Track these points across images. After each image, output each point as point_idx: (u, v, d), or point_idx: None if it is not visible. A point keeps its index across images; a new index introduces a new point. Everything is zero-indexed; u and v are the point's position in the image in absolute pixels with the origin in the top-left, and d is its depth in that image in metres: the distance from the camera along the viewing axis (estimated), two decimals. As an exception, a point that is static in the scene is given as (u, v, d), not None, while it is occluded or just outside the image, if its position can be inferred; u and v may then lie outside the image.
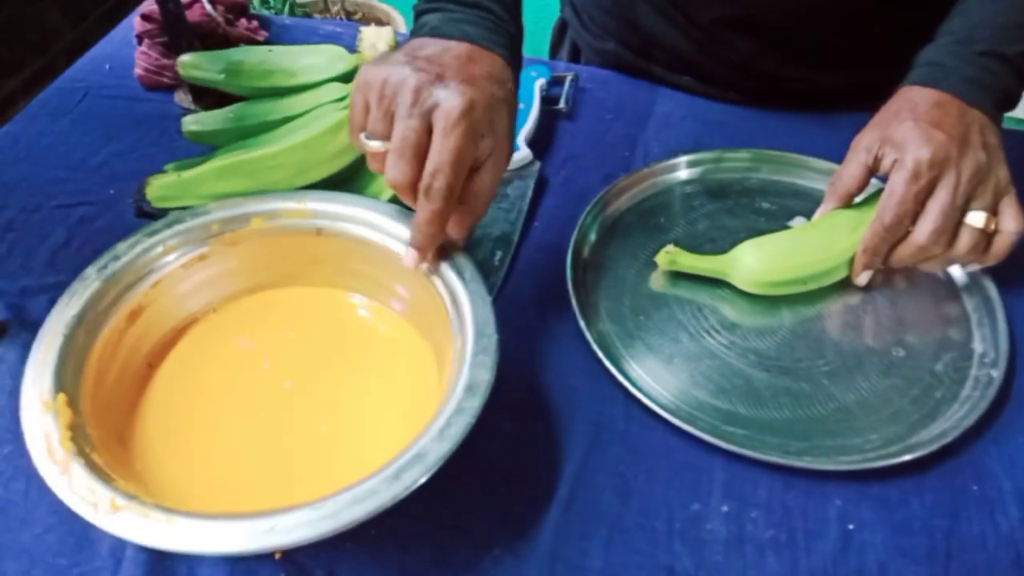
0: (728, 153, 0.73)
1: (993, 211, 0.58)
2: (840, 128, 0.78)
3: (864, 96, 0.73)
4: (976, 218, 0.58)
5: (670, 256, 0.63)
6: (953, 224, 0.58)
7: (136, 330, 0.54)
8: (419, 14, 0.57)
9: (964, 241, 0.59)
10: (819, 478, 0.54)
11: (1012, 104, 0.62)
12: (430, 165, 0.49)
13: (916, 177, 0.57)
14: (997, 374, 0.58)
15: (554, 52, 1.00)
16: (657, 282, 0.65)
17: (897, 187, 0.58)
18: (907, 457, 0.53)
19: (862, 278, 0.62)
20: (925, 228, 0.58)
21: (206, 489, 0.49)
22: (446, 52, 0.52)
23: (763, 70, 0.80)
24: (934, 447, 0.54)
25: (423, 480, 0.41)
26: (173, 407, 0.53)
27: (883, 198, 0.58)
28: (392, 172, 0.50)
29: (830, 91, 0.80)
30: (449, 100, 0.49)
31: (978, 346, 0.61)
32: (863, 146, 0.61)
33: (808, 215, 0.64)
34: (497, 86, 0.52)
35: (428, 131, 0.49)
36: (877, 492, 0.53)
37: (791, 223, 0.66)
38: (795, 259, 0.62)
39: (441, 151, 0.48)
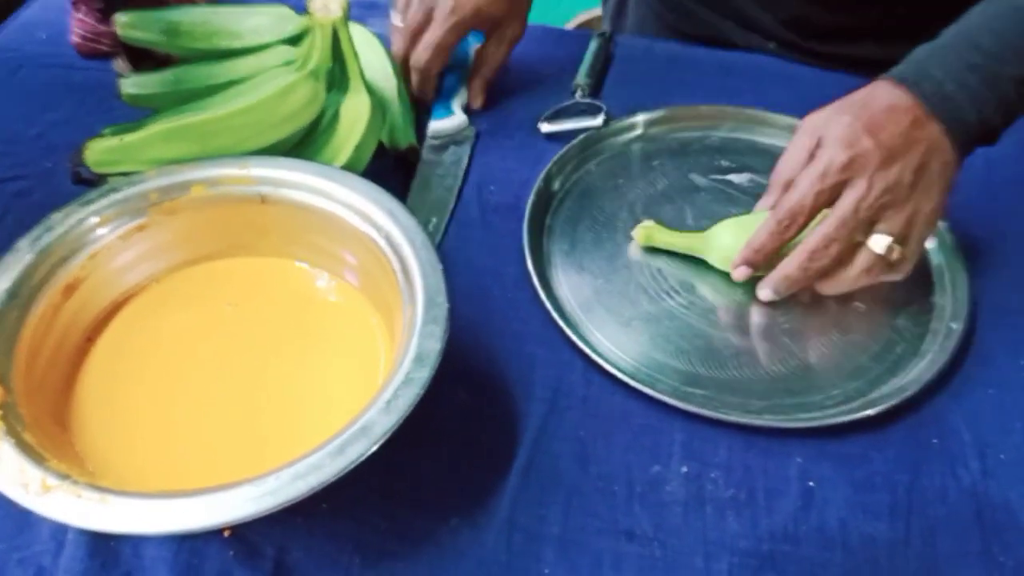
0: (687, 111, 0.72)
1: (903, 240, 0.54)
2: (792, 76, 0.77)
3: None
4: (878, 242, 0.54)
5: (647, 231, 0.62)
6: (848, 235, 0.53)
7: (73, 304, 0.52)
8: None
9: (858, 262, 0.55)
10: (779, 436, 0.53)
11: (986, 139, 0.56)
12: (419, 45, 0.70)
13: (823, 177, 0.53)
14: (957, 327, 0.57)
15: None
16: (615, 245, 0.63)
17: (801, 183, 0.54)
18: (867, 412, 0.53)
19: (739, 272, 0.58)
20: (817, 232, 0.54)
21: (148, 466, 0.47)
22: None
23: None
24: (894, 401, 0.53)
25: (368, 454, 0.40)
26: (113, 383, 0.51)
27: (785, 194, 0.55)
28: (394, 46, 0.73)
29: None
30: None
31: (939, 299, 0.60)
32: (807, 129, 0.56)
33: (764, 171, 0.62)
34: None
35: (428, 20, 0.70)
36: (837, 449, 0.53)
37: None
38: None
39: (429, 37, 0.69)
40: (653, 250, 0.63)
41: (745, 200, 0.65)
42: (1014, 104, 0.55)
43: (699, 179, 0.68)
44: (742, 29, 0.83)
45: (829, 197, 0.54)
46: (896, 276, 0.57)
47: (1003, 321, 0.60)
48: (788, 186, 0.56)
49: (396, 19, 0.72)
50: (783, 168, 0.57)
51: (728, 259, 0.60)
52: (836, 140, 0.54)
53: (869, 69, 0.72)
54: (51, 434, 0.46)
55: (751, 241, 0.56)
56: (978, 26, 0.56)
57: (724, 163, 0.69)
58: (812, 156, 0.55)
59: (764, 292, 0.58)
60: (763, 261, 0.57)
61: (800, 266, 0.55)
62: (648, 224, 0.62)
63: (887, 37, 0.76)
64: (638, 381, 0.54)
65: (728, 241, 0.60)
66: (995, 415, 0.55)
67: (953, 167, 0.55)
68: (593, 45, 0.78)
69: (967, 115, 0.54)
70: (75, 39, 0.77)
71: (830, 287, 0.57)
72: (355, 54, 0.62)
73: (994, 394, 0.56)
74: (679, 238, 0.62)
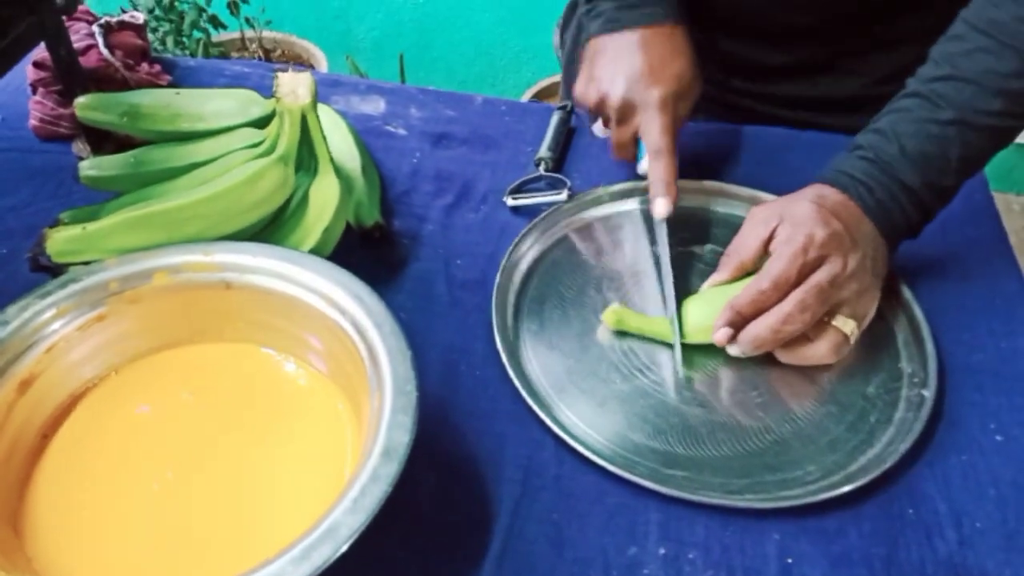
0: (647, 184, 0.72)
1: (858, 323, 0.58)
2: (746, 141, 0.79)
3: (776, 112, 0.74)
4: (846, 324, 0.57)
5: (617, 315, 0.62)
6: (821, 304, 0.56)
7: (28, 401, 0.51)
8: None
9: (827, 340, 0.58)
10: (757, 513, 0.53)
11: (910, 235, 0.63)
12: (651, 147, 0.65)
13: (804, 251, 0.56)
14: (928, 394, 0.57)
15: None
16: (584, 322, 0.63)
17: (783, 255, 0.56)
18: (847, 488, 0.52)
19: (721, 334, 0.58)
20: (794, 297, 0.56)
21: (105, 572, 0.45)
22: (622, 54, 0.67)
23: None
24: (874, 474, 0.53)
25: (334, 559, 0.38)
26: (69, 483, 0.49)
27: (767, 264, 0.57)
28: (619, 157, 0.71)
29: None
30: (647, 108, 0.65)
31: (906, 366, 0.61)
32: (760, 219, 0.60)
33: (725, 241, 0.63)
34: (673, 60, 0.67)
35: (634, 131, 0.67)
36: (814, 524, 0.52)
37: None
38: None
39: (656, 140, 0.65)
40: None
41: (708, 271, 0.66)
42: (930, 205, 0.61)
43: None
44: None
45: (811, 270, 0.56)
46: (838, 357, 0.59)
47: (969, 383, 0.60)
48: (742, 269, 0.60)
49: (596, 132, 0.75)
50: (737, 251, 0.61)
51: (698, 332, 0.60)
52: (810, 220, 0.57)
53: (806, 108, 0.79)
54: (4, 539, 0.44)
55: (734, 302, 0.57)
56: (878, 144, 0.61)
57: (686, 235, 0.70)
58: (771, 238, 0.59)
59: (733, 349, 0.59)
60: (744, 324, 0.58)
61: (772, 328, 0.56)
62: (616, 308, 0.62)
63: (817, 74, 0.81)
64: (616, 465, 0.53)
65: (696, 317, 0.60)
66: (968, 482, 0.55)
67: (888, 262, 0.61)
68: (555, 119, 0.79)
69: (896, 218, 0.60)
70: (33, 122, 0.76)
71: (791, 358, 0.59)
72: (324, 137, 0.62)
73: (966, 460, 0.56)
74: (647, 323, 0.62)
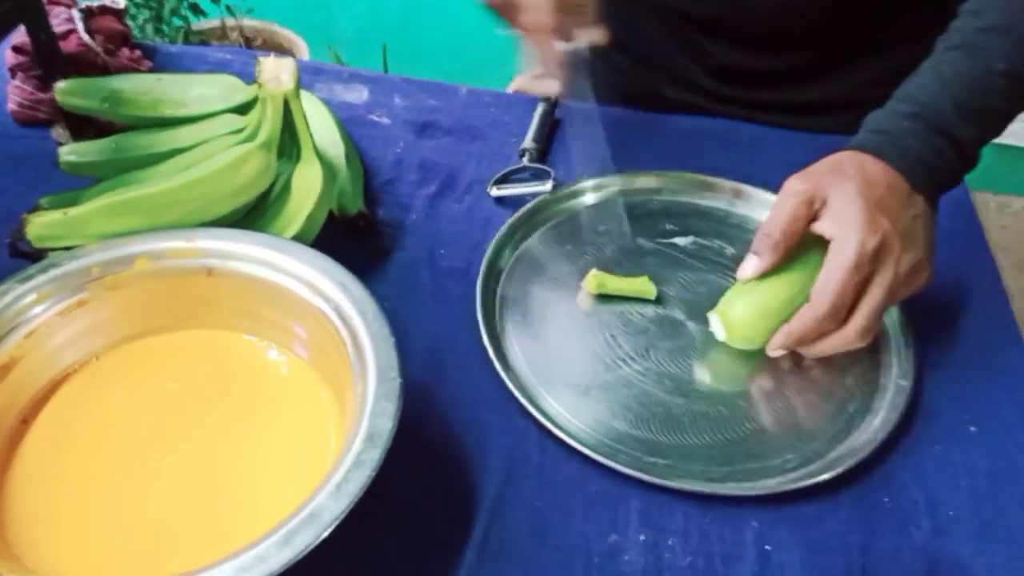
0: (631, 176, 0.73)
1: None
2: (730, 136, 0.79)
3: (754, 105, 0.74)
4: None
5: (598, 279, 0.63)
6: (879, 322, 0.56)
7: (8, 386, 0.50)
8: None
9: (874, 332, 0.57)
10: (736, 501, 0.53)
11: (950, 188, 0.60)
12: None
13: (858, 268, 0.53)
14: (906, 383, 0.58)
15: None
16: (569, 310, 0.63)
17: (837, 275, 0.53)
18: (825, 476, 0.53)
19: (777, 353, 0.58)
20: (856, 325, 0.55)
21: (85, 559, 0.45)
22: None
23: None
24: (852, 462, 0.54)
25: (316, 543, 0.38)
26: (49, 469, 0.49)
27: (820, 284, 0.54)
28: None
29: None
30: None
31: (884, 355, 0.61)
32: (804, 197, 0.55)
33: (708, 233, 0.63)
34: None
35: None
36: (792, 511, 0.53)
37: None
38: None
39: None
40: (606, 317, 0.63)
41: (690, 263, 0.67)
42: (973, 156, 0.59)
43: (646, 243, 0.68)
44: (671, 84, 0.86)
45: (865, 285, 0.55)
46: None
47: (946, 376, 0.61)
48: (789, 252, 0.56)
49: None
50: (781, 232, 0.56)
51: (745, 340, 0.59)
52: (859, 225, 0.53)
53: (794, 113, 0.78)
54: (-19, 527, 0.44)
55: (791, 331, 0.56)
56: (921, 96, 0.58)
57: (668, 226, 0.70)
58: (812, 220, 0.56)
59: (777, 353, 0.59)
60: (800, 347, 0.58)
61: (837, 349, 0.56)
62: (596, 272, 0.63)
63: (807, 80, 0.80)
64: (600, 453, 0.53)
65: (744, 325, 0.58)
66: (943, 472, 0.56)
67: (935, 226, 0.59)
68: (539, 111, 0.79)
69: (944, 178, 0.58)
70: (12, 107, 0.75)
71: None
72: (306, 124, 0.61)
73: (940, 451, 0.57)
74: (627, 283, 0.63)
